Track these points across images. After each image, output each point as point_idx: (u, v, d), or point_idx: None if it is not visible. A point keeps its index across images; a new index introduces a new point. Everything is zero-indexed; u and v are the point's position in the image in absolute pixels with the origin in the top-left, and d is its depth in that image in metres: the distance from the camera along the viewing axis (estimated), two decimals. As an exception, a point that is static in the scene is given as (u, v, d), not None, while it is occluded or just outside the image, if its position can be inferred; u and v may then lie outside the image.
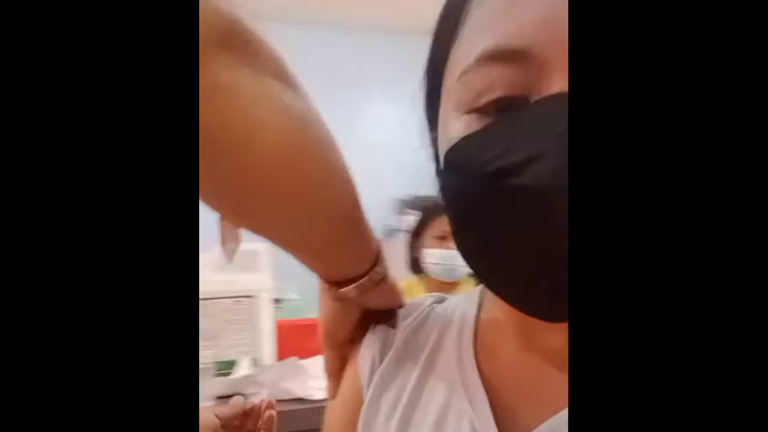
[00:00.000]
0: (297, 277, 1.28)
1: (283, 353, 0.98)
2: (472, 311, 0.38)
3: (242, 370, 0.85)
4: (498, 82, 0.26)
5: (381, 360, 0.38)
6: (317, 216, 0.31)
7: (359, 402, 0.38)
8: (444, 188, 0.31)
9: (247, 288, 0.91)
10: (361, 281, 0.36)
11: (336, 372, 0.40)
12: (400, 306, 0.42)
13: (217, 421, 0.39)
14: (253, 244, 1.02)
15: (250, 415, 0.42)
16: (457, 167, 0.29)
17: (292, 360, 0.80)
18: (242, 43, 0.25)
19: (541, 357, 0.33)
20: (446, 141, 0.30)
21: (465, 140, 0.28)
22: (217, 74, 0.23)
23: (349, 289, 0.36)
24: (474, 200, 0.28)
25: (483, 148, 0.27)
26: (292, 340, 1.04)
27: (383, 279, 0.38)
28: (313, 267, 0.36)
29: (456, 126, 0.29)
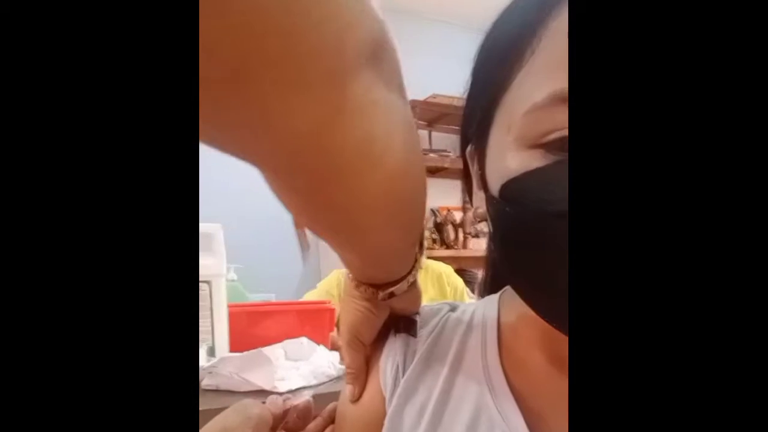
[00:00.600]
0: (234, 256, 1.24)
1: (234, 342, 0.95)
2: (492, 321, 0.40)
3: (200, 359, 0.82)
4: (567, 123, 0.28)
5: (404, 370, 0.39)
6: (412, 227, 0.32)
7: (380, 412, 0.38)
8: (496, 215, 0.33)
9: (204, 273, 0.87)
10: (400, 283, 0.37)
11: (359, 374, 0.41)
12: (417, 312, 0.42)
13: (271, 420, 0.39)
14: (207, 225, 0.98)
15: (288, 414, 0.42)
16: (516, 200, 0.30)
17: (258, 351, 0.78)
18: (383, 56, 0.24)
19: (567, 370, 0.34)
20: (503, 170, 0.31)
21: (528, 175, 0.29)
22: (364, 93, 0.23)
23: (390, 291, 0.37)
24: (530, 233, 0.29)
25: (546, 187, 0.28)
26: (242, 328, 1.01)
27: (415, 281, 0.39)
28: (363, 268, 0.37)
29: (517, 159, 0.30)
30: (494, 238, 0.34)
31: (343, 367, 0.89)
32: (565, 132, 0.28)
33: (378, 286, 0.37)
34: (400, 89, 0.27)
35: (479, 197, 0.36)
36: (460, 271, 2.00)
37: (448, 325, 0.41)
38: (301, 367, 0.86)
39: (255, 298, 1.47)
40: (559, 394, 0.34)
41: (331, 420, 0.43)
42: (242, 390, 0.78)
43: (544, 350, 0.36)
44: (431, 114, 2.61)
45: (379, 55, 0.23)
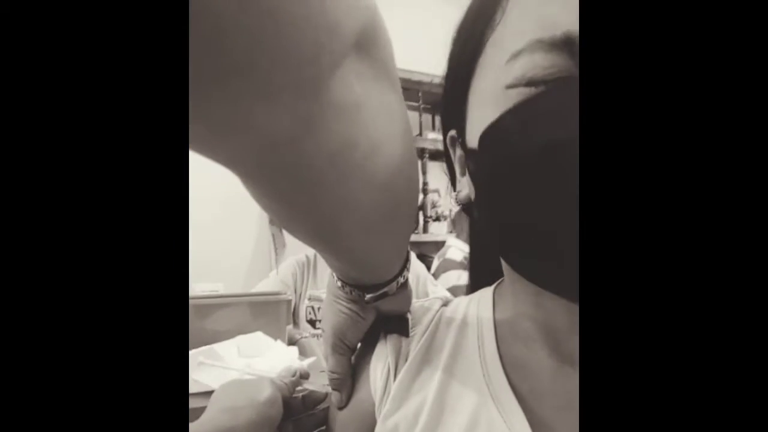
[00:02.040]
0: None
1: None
2: (488, 317, 0.38)
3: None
4: (549, 67, 0.28)
5: (396, 373, 0.37)
6: (401, 231, 0.31)
7: (370, 419, 0.37)
8: (477, 169, 0.32)
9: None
10: (389, 285, 0.36)
11: (345, 379, 0.39)
12: (408, 311, 0.41)
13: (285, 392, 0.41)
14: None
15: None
16: (497, 143, 0.29)
17: (208, 348, 0.74)
18: (371, 47, 0.23)
19: (572, 365, 0.33)
20: (483, 119, 0.30)
21: (507, 114, 0.28)
22: (345, 94, 0.22)
23: (381, 292, 0.36)
24: (516, 176, 0.28)
25: (528, 121, 0.27)
26: (189, 322, 0.96)
27: (405, 282, 0.38)
28: (347, 271, 0.35)
29: (495, 103, 0.29)
30: (478, 203, 0.33)
31: (304, 363, 0.87)
32: (547, 74, 0.28)
33: (365, 288, 0.36)
34: (391, 78, 0.26)
35: (462, 183, 0.35)
36: (421, 257, 2.00)
37: (442, 322, 0.40)
38: (257, 364, 0.83)
39: (200, 288, 1.42)
40: (564, 390, 0.33)
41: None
42: (191, 392, 0.74)
43: (546, 345, 0.35)
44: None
45: (367, 47, 0.22)
